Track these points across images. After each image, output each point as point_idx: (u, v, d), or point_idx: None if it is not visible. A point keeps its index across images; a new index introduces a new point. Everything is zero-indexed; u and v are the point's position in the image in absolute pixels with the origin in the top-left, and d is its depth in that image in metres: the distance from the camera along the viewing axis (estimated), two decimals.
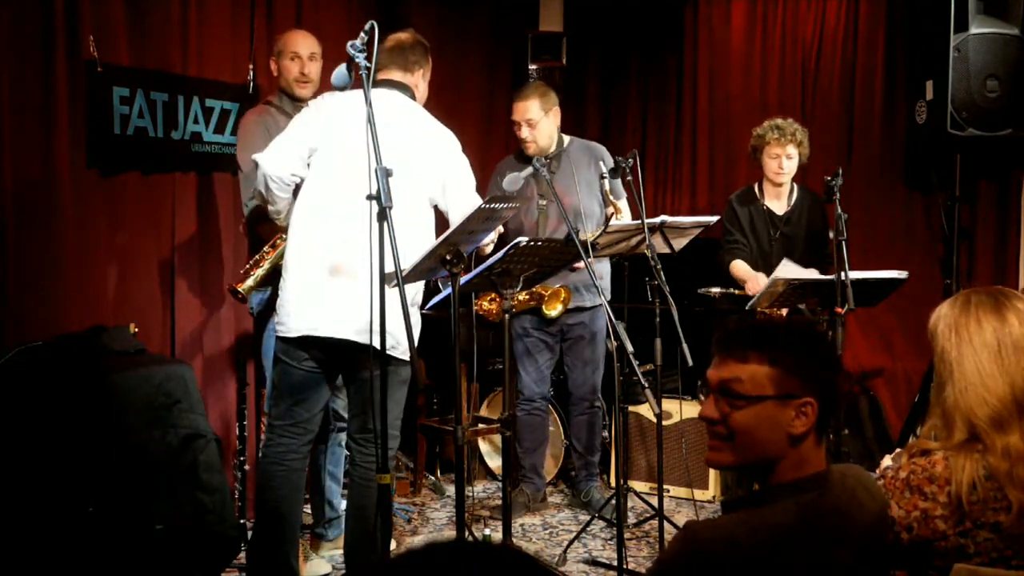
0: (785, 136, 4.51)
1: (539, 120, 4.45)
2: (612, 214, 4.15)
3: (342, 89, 3.40)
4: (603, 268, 4.51)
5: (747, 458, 1.75)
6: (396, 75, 3.46)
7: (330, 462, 4.01)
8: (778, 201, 4.68)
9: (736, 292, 4.49)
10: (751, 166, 5.54)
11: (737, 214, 4.71)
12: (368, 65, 2.79)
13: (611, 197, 4.12)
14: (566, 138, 4.60)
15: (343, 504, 4.28)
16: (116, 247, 4.10)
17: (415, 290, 3.37)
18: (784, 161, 4.53)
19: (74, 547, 3.16)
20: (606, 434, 5.04)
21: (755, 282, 4.45)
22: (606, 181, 4.10)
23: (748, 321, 1.76)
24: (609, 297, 4.46)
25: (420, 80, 3.57)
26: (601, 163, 4.28)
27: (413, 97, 3.48)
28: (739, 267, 4.64)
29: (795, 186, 4.69)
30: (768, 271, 4.59)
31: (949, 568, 1.89)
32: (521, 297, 4.44)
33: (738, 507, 1.76)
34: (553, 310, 4.49)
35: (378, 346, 2.84)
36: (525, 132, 4.47)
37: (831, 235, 3.82)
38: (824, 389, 1.73)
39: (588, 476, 4.72)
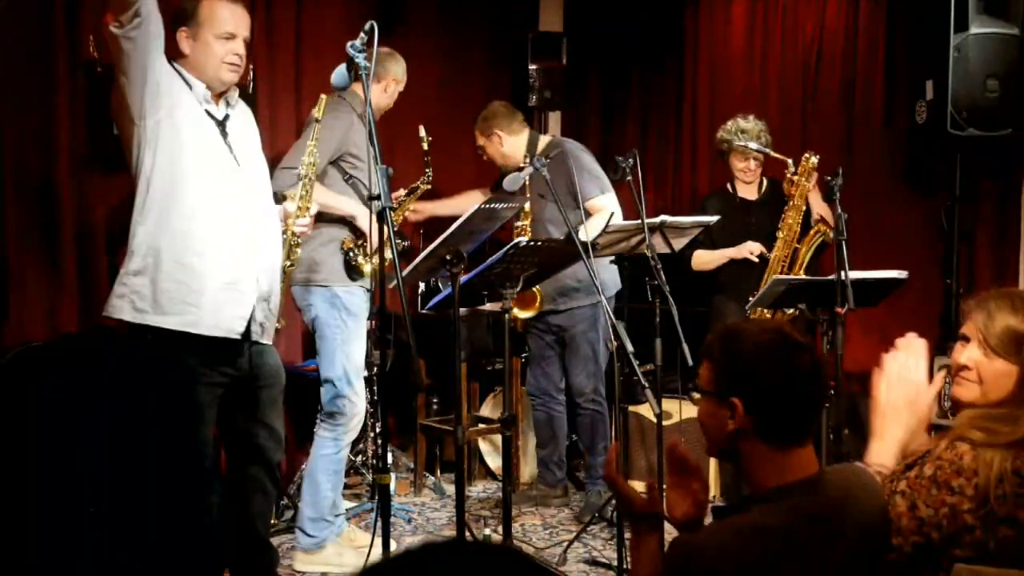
0: (751, 140, 4.57)
1: (484, 145, 4.67)
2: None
3: (342, 89, 3.41)
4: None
5: (711, 447, 1.88)
6: None
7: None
8: (750, 189, 4.74)
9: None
10: None
11: (707, 206, 4.75)
12: (368, 65, 2.80)
13: (589, 202, 4.18)
14: (542, 144, 4.63)
15: (343, 504, 4.28)
16: (116, 247, 4.09)
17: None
18: (752, 163, 4.61)
19: (74, 547, 3.16)
20: None
21: (735, 251, 4.54)
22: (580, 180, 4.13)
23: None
24: (609, 294, 4.47)
25: (180, 45, 3.17)
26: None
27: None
28: (702, 255, 4.69)
29: (764, 179, 4.75)
30: (735, 261, 4.65)
31: (970, 561, 1.89)
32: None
33: (727, 514, 1.78)
34: (525, 311, 4.53)
35: None
36: (485, 157, 4.74)
37: (831, 234, 3.83)
38: (749, 390, 1.76)
39: (590, 480, 4.73)
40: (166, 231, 3.05)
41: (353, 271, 3.88)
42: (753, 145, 4.52)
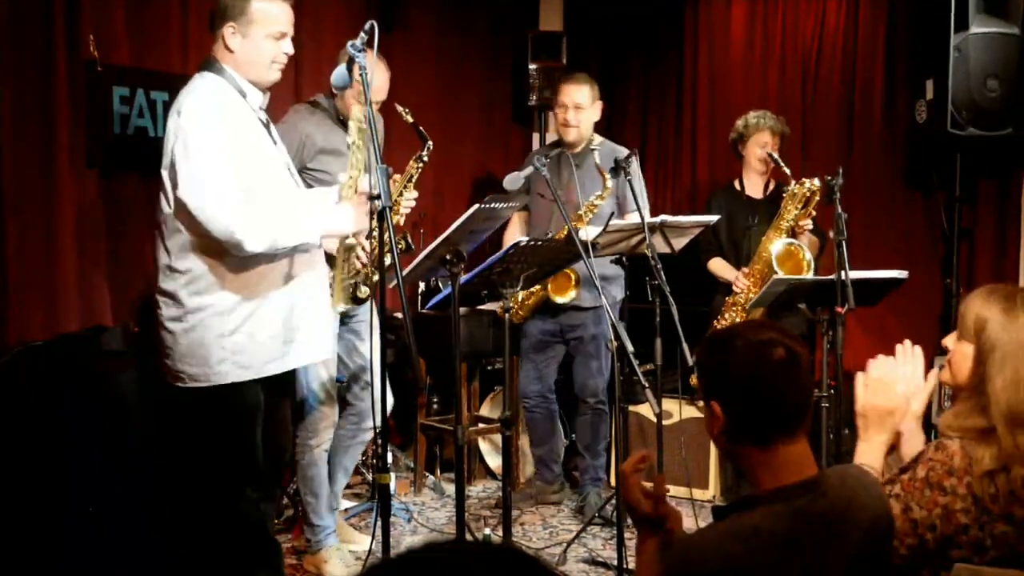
0: (776, 127, 4.64)
1: (587, 107, 4.47)
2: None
3: (342, 89, 3.40)
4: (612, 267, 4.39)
5: (719, 449, 1.91)
6: (212, 49, 3.08)
7: (348, 457, 4.00)
8: (757, 187, 4.75)
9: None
10: None
11: (711, 203, 4.78)
12: (367, 65, 2.80)
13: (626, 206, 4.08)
14: (597, 138, 4.57)
15: (344, 504, 4.28)
16: (116, 247, 4.09)
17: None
18: (771, 139, 4.62)
19: (74, 547, 3.16)
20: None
21: (741, 279, 4.53)
22: (610, 182, 4.09)
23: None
24: (621, 295, 4.47)
25: (227, 40, 3.03)
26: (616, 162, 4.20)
27: (219, 68, 3.04)
28: (717, 264, 4.72)
29: (771, 179, 4.77)
30: (740, 257, 4.66)
31: (968, 561, 1.90)
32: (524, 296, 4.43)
33: (727, 513, 1.77)
34: (561, 296, 4.45)
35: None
36: (571, 116, 4.46)
37: (831, 234, 3.83)
38: (724, 392, 1.77)
39: (590, 480, 4.70)
40: (253, 278, 3.01)
41: (355, 300, 3.78)
42: (771, 120, 4.60)
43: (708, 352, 1.83)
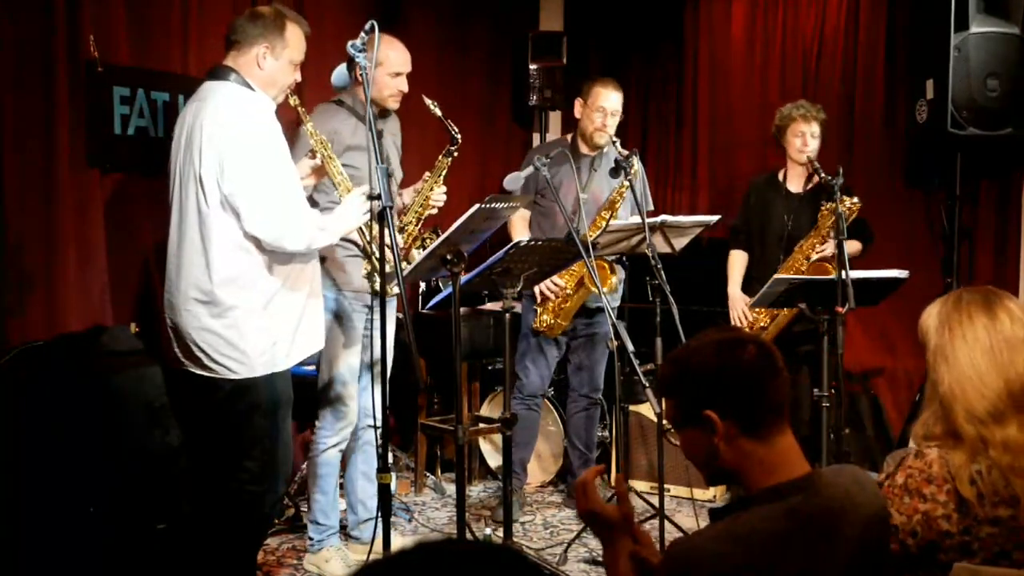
0: (810, 113, 4.52)
1: (619, 115, 4.49)
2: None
3: (343, 89, 3.41)
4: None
5: (706, 473, 1.85)
6: (227, 59, 3.14)
7: (363, 462, 3.98)
8: (798, 180, 4.62)
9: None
10: (752, 163, 5.54)
11: (751, 192, 4.73)
12: (368, 64, 2.80)
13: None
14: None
15: (343, 504, 4.27)
16: (116, 247, 4.09)
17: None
18: (808, 139, 4.50)
19: (74, 547, 3.16)
20: (605, 433, 5.05)
21: (733, 303, 4.55)
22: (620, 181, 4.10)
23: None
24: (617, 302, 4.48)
25: (260, 59, 3.10)
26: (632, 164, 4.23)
27: (240, 80, 3.08)
28: (738, 260, 4.68)
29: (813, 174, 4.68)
30: (767, 253, 4.58)
31: (951, 564, 1.91)
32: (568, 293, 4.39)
33: (725, 514, 1.77)
34: (607, 286, 4.31)
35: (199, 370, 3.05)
36: (610, 122, 4.45)
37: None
38: (715, 397, 1.75)
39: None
40: (282, 274, 3.11)
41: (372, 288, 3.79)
42: (802, 108, 4.51)
43: (682, 373, 1.82)
